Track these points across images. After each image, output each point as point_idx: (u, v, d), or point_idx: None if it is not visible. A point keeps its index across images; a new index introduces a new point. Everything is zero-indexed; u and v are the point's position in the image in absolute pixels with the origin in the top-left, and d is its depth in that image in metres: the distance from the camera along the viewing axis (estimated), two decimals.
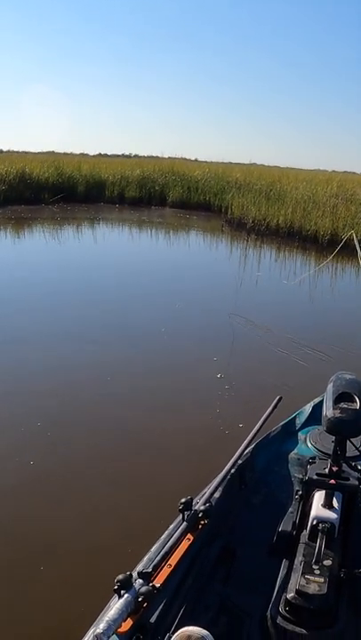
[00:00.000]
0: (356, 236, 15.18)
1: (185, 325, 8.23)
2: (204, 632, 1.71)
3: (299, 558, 2.53)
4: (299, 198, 18.58)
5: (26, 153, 35.97)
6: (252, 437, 3.24)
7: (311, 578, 2.39)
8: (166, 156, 34.87)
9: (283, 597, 2.40)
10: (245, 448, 3.14)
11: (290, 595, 2.36)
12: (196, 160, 40.44)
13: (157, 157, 35.73)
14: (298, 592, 2.34)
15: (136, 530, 3.62)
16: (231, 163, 39.07)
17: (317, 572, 2.41)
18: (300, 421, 3.70)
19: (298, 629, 2.30)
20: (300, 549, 2.58)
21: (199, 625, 1.76)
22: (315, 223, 16.27)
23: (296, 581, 2.39)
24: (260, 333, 7.92)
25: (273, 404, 3.58)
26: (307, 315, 9.38)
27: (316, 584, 2.36)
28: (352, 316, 9.46)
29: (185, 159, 37.37)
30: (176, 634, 1.73)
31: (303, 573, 2.41)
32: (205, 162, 38.16)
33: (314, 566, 2.44)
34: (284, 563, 2.62)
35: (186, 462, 4.56)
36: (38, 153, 36.86)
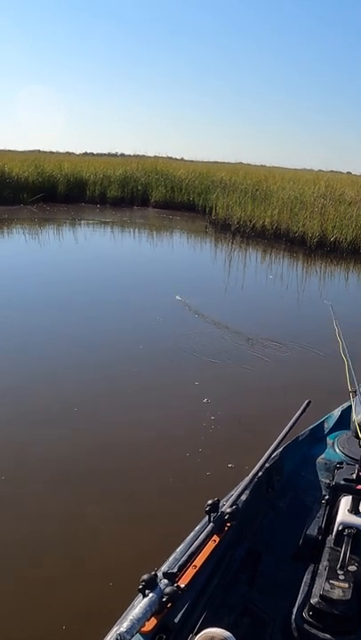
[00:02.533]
0: (346, 239, 14.78)
1: (160, 337, 7.57)
2: (227, 634, 1.71)
3: (323, 563, 2.51)
4: (285, 198, 17.99)
5: (10, 151, 35.33)
6: (280, 441, 3.20)
7: (336, 583, 2.37)
8: (152, 155, 34.37)
9: (307, 602, 2.39)
10: (273, 451, 3.10)
11: (314, 599, 2.34)
12: (182, 159, 39.99)
13: (143, 156, 35.21)
14: (322, 597, 2.32)
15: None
16: (217, 162, 38.64)
17: (342, 577, 2.39)
18: (328, 426, 3.72)
19: (321, 634, 2.29)
20: (326, 554, 2.57)
21: (222, 626, 1.76)
22: (302, 224, 15.67)
23: (320, 586, 2.37)
24: (245, 343, 7.33)
25: (301, 408, 3.52)
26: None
27: (340, 589, 2.34)
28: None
29: (171, 158, 36.97)
30: (199, 635, 1.74)
31: (328, 578, 2.40)
32: (191, 161, 37.67)
33: (339, 571, 2.42)
34: (309, 567, 2.60)
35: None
36: (24, 151, 36.13)
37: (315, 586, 2.42)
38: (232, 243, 16.15)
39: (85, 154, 47.22)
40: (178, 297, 9.33)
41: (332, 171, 44.34)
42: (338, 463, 3.06)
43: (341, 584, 2.36)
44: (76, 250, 14.55)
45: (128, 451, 4.75)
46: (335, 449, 3.47)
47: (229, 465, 4.45)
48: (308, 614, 2.35)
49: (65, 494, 4.11)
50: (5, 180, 21.78)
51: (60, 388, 5.86)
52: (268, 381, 6.34)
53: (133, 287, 10.45)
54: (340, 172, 44.62)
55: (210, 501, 2.51)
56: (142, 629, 1.90)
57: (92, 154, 47.97)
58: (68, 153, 43.78)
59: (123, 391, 5.91)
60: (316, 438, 3.61)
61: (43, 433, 4.95)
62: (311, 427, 3.64)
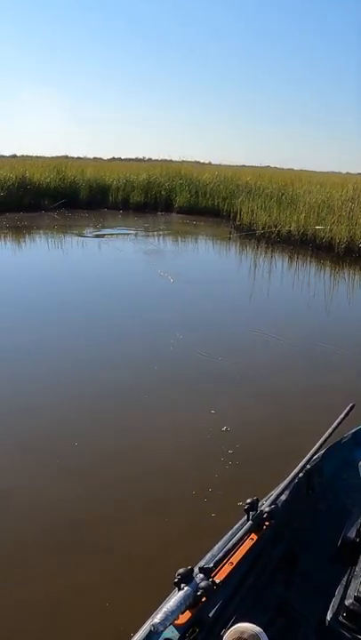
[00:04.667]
0: None
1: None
2: (258, 629, 1.73)
3: (360, 565, 2.53)
4: (312, 203, 17.33)
5: (38, 157, 35.34)
6: (322, 443, 3.17)
7: None
8: (179, 160, 33.92)
9: (342, 604, 2.38)
10: (315, 454, 3.08)
11: (348, 601, 2.35)
12: (209, 163, 39.55)
13: (170, 161, 34.78)
14: (357, 599, 2.34)
15: None
16: (245, 165, 38.05)
17: None
18: None
19: (355, 636, 2.29)
20: None
21: (255, 623, 1.76)
22: (330, 230, 15.02)
23: (356, 588, 2.39)
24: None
25: (345, 412, 3.47)
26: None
27: None
28: None
29: (198, 162, 36.56)
30: (231, 629, 1.76)
31: None
32: (219, 165, 37.16)
33: None
34: (347, 570, 2.59)
35: None
36: (52, 157, 36.01)
37: (350, 588, 2.43)
38: (257, 249, 15.57)
39: (113, 159, 47.18)
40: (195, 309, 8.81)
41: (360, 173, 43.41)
42: None
43: None
44: (93, 260, 14.03)
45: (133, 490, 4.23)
46: None
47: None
48: (343, 616, 2.34)
49: (54, 546, 3.60)
50: (26, 186, 21.51)
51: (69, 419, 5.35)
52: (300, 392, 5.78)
53: (153, 297, 9.98)
54: None
55: (249, 500, 2.49)
56: (176, 622, 1.91)
57: (120, 159, 47.91)
58: (95, 158, 43.61)
59: (131, 420, 5.40)
60: (358, 442, 3.56)
61: (34, 472, 4.46)
62: (353, 430, 3.60)
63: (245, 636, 1.70)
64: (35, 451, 4.73)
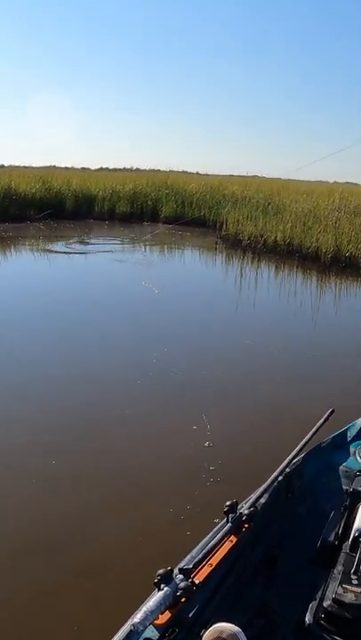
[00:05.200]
0: None
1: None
2: (237, 629, 1.76)
3: (338, 568, 2.54)
4: (298, 212, 17.29)
5: (26, 167, 35.17)
6: (302, 447, 3.20)
7: (349, 587, 2.38)
8: (167, 169, 33.86)
9: (320, 605, 2.39)
10: (294, 457, 3.10)
11: (326, 602, 2.36)
12: (197, 173, 39.42)
13: (158, 171, 34.70)
14: (334, 600, 2.34)
15: None
16: (233, 175, 38.01)
17: (355, 581, 2.41)
18: (350, 434, 3.67)
19: (333, 637, 2.30)
20: (341, 559, 2.59)
21: (235, 624, 1.78)
22: (316, 239, 14.96)
23: (333, 590, 2.39)
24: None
25: (325, 417, 3.54)
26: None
27: (352, 594, 2.35)
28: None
29: (185, 172, 36.52)
30: (210, 628, 1.78)
31: (341, 582, 2.42)
32: (206, 174, 37.07)
33: (352, 576, 2.44)
34: (324, 572, 2.59)
35: None
36: (39, 167, 35.83)
37: (328, 589, 2.44)
38: (243, 259, 15.46)
39: (101, 169, 47.06)
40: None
41: (347, 182, 43.40)
42: (358, 471, 3.17)
43: (354, 588, 2.37)
44: (77, 270, 13.91)
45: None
46: (357, 457, 3.47)
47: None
48: (321, 617, 2.36)
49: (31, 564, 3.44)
50: (12, 197, 21.34)
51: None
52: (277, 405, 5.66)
53: (137, 309, 9.85)
54: (357, 184, 43.78)
55: (228, 502, 2.52)
56: (156, 622, 1.92)
57: (108, 169, 47.79)
58: (83, 169, 43.42)
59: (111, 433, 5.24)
60: (338, 446, 3.59)
61: (10, 488, 4.30)
62: (333, 435, 3.62)
63: (224, 635, 1.74)
64: (11, 467, 4.58)
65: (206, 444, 4.98)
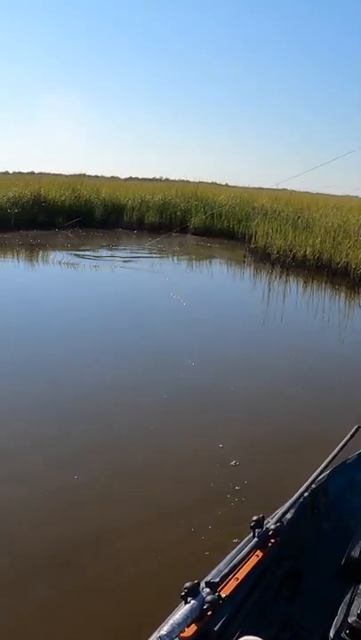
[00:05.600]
0: None
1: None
2: None
3: None
4: (328, 227, 17.10)
5: (56, 175, 35.46)
6: (328, 464, 3.20)
7: None
8: (197, 181, 33.83)
9: (345, 621, 2.40)
10: (320, 474, 3.11)
11: (351, 619, 2.38)
12: (226, 185, 39.36)
13: (187, 181, 34.69)
14: (359, 616, 2.35)
15: None
16: (262, 188, 37.89)
17: None
18: None
19: None
20: None
21: (261, 637, 1.84)
22: (346, 254, 14.78)
23: (358, 606, 2.41)
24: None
25: (350, 433, 3.54)
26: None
27: None
28: None
29: (215, 184, 36.45)
30: None
31: None
32: (235, 187, 37.01)
33: None
34: (350, 588, 2.60)
35: None
36: (70, 175, 36.09)
37: (353, 605, 2.45)
38: (271, 272, 15.33)
39: (130, 178, 47.25)
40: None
41: None
42: None
43: None
44: (104, 280, 13.79)
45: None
46: None
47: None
48: (346, 632, 2.35)
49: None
50: (41, 204, 21.48)
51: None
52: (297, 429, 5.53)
53: (163, 321, 9.78)
54: None
55: (255, 517, 2.53)
56: (182, 635, 1.93)
57: (137, 178, 47.97)
58: (112, 177, 43.66)
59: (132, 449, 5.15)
60: None
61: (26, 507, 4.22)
62: (359, 451, 3.58)
63: None
64: (28, 483, 4.50)
65: (233, 462, 4.87)
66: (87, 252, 16.96)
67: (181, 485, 4.60)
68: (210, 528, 3.97)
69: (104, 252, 17.25)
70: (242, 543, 2.52)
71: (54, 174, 36.33)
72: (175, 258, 17.42)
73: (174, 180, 39.28)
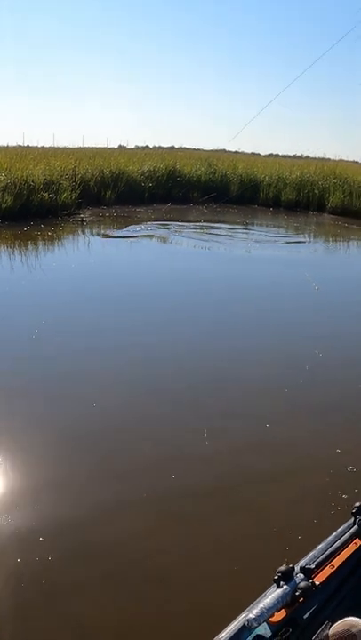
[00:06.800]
0: None
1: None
2: None
3: None
4: None
5: (195, 150, 35.54)
6: None
7: None
8: (336, 158, 32.62)
9: None
10: None
11: None
12: None
13: (327, 159, 33.56)
14: None
15: None
16: None
17: None
18: None
19: None
20: None
21: None
22: None
23: None
24: None
25: None
26: None
27: None
28: None
29: (356, 162, 35.05)
30: (340, 621, 1.81)
31: None
32: None
33: None
34: None
35: None
36: (209, 150, 35.98)
37: None
38: None
39: (270, 155, 46.58)
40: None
41: None
42: None
43: None
44: (240, 258, 13.29)
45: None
46: None
47: None
48: None
49: None
50: (176, 178, 21.38)
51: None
52: None
53: (293, 306, 9.30)
54: None
55: (358, 504, 2.42)
56: (270, 619, 1.88)
57: (277, 155, 47.22)
58: (252, 154, 43.09)
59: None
60: None
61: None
62: None
63: (354, 630, 1.73)
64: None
65: (349, 468, 4.38)
66: (221, 229, 16.58)
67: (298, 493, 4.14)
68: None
69: (238, 229, 16.82)
70: (340, 529, 2.40)
71: (194, 149, 36.37)
72: (312, 238, 16.67)
73: (313, 158, 38.15)
